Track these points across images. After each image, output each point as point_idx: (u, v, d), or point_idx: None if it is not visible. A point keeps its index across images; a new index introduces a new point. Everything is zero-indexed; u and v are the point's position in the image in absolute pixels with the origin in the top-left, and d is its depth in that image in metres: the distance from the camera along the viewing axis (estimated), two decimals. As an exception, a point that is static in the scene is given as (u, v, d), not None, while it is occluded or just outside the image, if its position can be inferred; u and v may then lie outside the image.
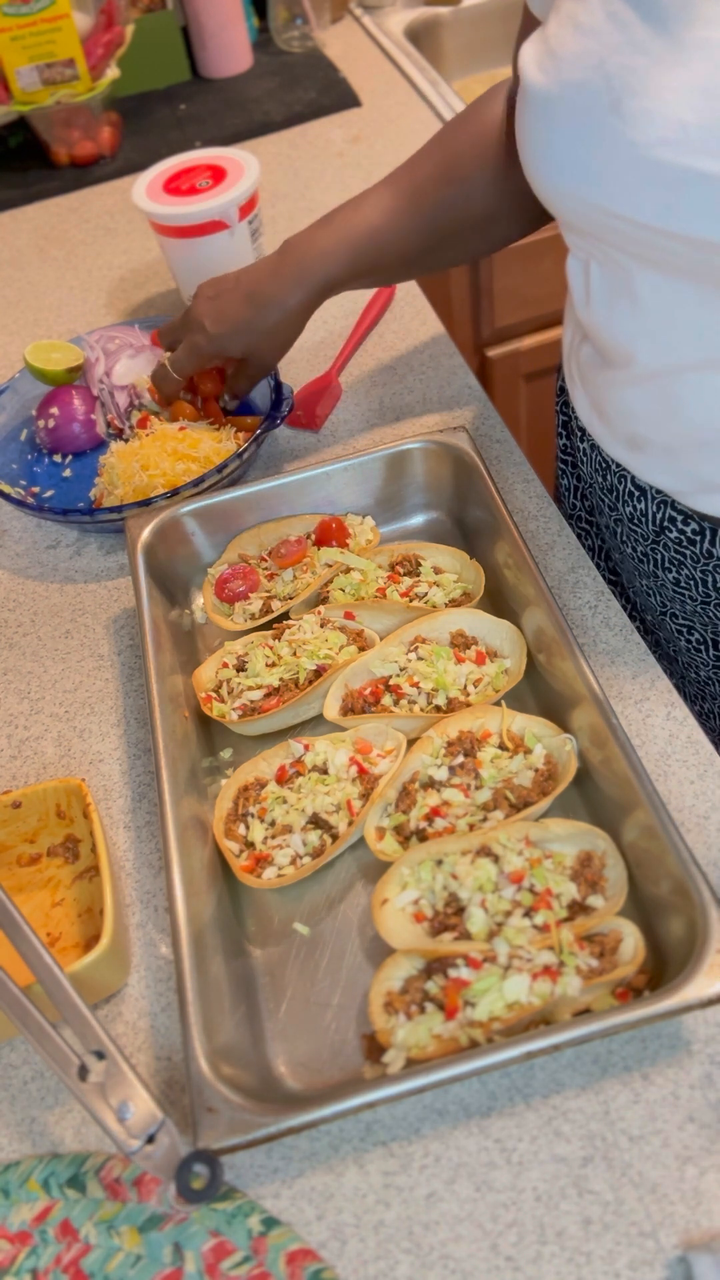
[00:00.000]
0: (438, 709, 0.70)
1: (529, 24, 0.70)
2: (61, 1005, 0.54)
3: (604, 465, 0.79)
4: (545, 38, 0.60)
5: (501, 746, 0.67)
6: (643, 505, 0.76)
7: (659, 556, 0.78)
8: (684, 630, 0.82)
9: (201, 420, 0.93)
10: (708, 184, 0.51)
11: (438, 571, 0.79)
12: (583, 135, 0.57)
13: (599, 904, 0.58)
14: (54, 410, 0.97)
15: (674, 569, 0.77)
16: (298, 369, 1.03)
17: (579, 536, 0.92)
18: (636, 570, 0.83)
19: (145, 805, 0.71)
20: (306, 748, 0.68)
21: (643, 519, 0.77)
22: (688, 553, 0.75)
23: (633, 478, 0.76)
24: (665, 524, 0.75)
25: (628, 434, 0.72)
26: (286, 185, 1.30)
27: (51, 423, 0.97)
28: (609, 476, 0.79)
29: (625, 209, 0.56)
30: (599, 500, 0.83)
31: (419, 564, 0.80)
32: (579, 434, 0.83)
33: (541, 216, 0.79)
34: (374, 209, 0.79)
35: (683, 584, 0.77)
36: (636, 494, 0.76)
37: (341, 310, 1.09)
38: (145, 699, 0.77)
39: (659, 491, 0.74)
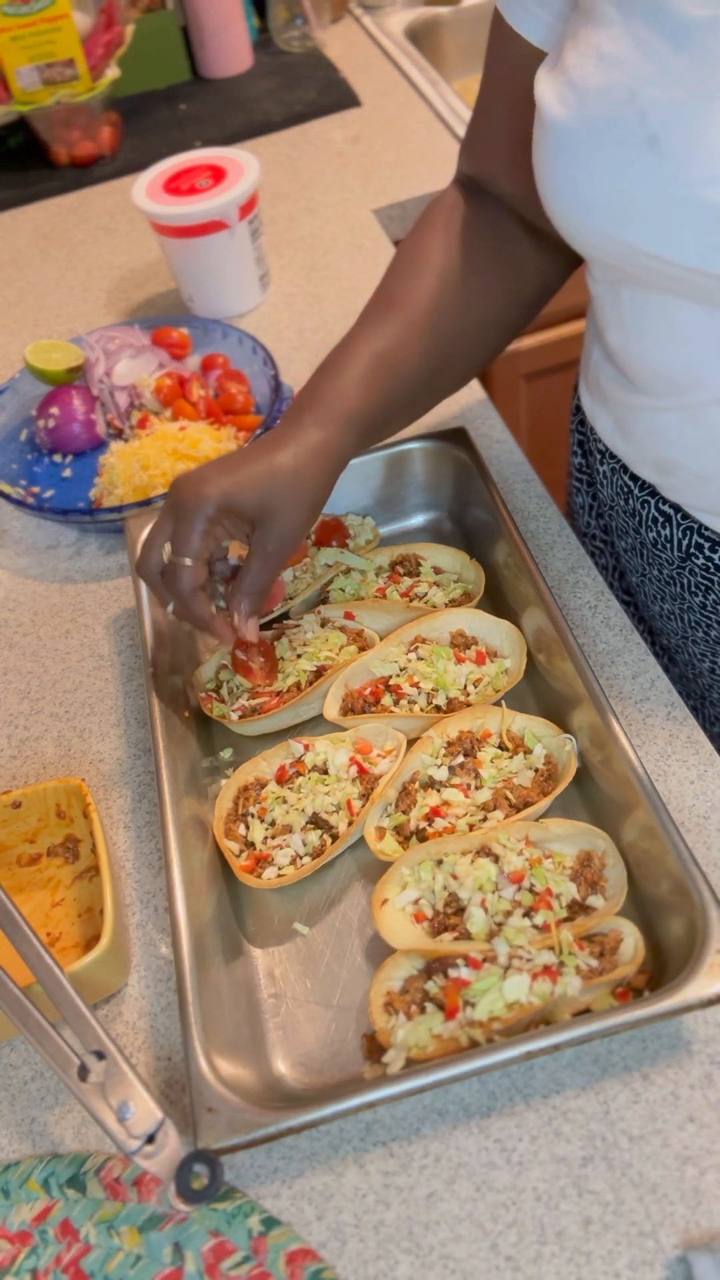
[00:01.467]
0: (438, 709, 0.70)
1: (503, 36, 0.65)
2: (61, 1005, 0.54)
3: (626, 489, 0.77)
4: (564, 68, 0.56)
5: (501, 746, 0.67)
6: (668, 531, 0.74)
7: (685, 581, 0.76)
8: (706, 655, 0.80)
9: (201, 420, 0.93)
10: None
11: (438, 571, 0.79)
12: (615, 173, 0.53)
13: (599, 904, 0.58)
14: (54, 410, 0.97)
15: (700, 593, 0.75)
16: (297, 369, 1.03)
17: (592, 555, 0.90)
18: (660, 594, 0.80)
19: (145, 805, 0.71)
20: (306, 748, 0.68)
21: (668, 545, 0.75)
22: (715, 578, 0.73)
23: (657, 504, 0.74)
24: (692, 550, 0.73)
25: (656, 458, 0.70)
26: (286, 185, 1.30)
27: (51, 423, 0.97)
28: (631, 501, 0.76)
29: (666, 250, 0.53)
30: (620, 523, 0.81)
31: (419, 564, 0.80)
32: (598, 456, 0.80)
33: (529, 302, 0.75)
34: (365, 340, 0.68)
35: (709, 608, 0.75)
36: (661, 520, 0.74)
37: (341, 310, 1.09)
38: (145, 699, 0.77)
39: (685, 517, 0.72)
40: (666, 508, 0.73)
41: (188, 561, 0.63)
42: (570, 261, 0.74)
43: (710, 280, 0.53)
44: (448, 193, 0.75)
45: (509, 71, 0.66)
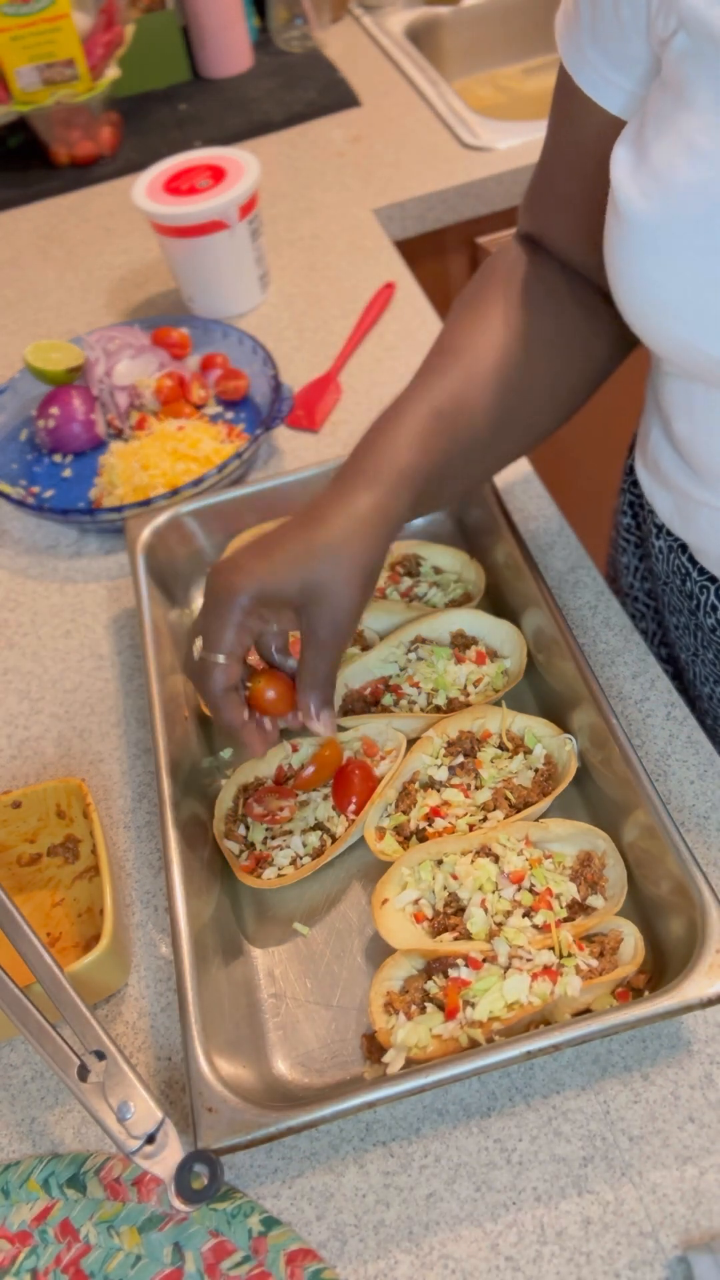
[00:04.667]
0: (438, 709, 0.70)
1: (570, 96, 0.59)
2: (61, 1005, 0.54)
3: (683, 571, 0.72)
4: (647, 154, 0.50)
5: (501, 746, 0.67)
6: None
7: None
8: None
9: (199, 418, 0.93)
10: None
11: (438, 571, 0.79)
12: (704, 280, 0.49)
13: (599, 904, 0.58)
14: (54, 410, 0.97)
15: None
16: (297, 369, 1.03)
17: (634, 617, 0.86)
18: (712, 675, 0.76)
19: (145, 805, 0.71)
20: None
21: None
22: None
23: (717, 590, 0.69)
24: None
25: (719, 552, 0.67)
26: (286, 185, 1.30)
27: (51, 423, 0.97)
28: (689, 584, 0.72)
29: None
30: (674, 602, 0.76)
31: (419, 564, 0.80)
32: (654, 530, 0.75)
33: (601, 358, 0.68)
34: (424, 396, 0.61)
35: None
36: None
37: (341, 310, 1.09)
38: (145, 699, 0.77)
39: None
40: None
41: (220, 659, 0.56)
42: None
43: None
44: (509, 249, 0.68)
45: (576, 135, 0.60)
